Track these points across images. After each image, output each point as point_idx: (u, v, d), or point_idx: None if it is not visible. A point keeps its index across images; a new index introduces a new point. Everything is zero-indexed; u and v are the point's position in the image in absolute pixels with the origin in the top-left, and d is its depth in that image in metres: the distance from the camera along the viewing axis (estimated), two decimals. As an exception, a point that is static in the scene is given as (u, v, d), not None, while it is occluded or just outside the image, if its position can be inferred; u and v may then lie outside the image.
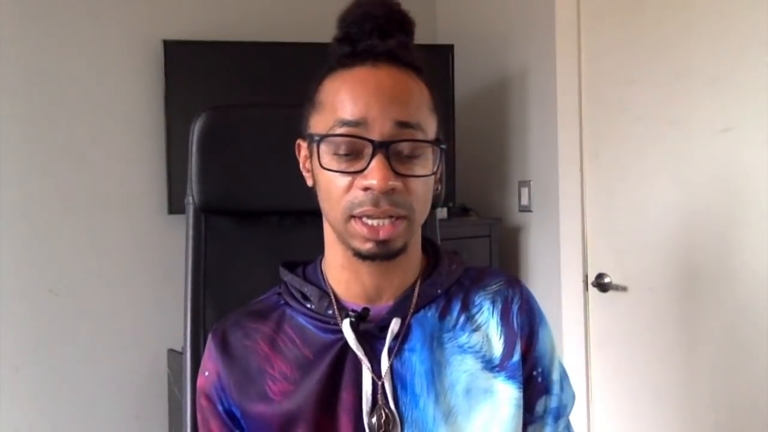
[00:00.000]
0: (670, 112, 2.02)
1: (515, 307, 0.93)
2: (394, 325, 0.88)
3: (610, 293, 2.21)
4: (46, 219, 2.29)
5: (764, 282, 1.82)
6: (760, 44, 1.80)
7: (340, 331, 0.88)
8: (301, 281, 0.94)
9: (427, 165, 0.86)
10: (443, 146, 0.88)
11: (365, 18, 0.87)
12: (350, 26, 0.87)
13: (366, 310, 0.89)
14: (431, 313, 0.91)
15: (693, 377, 2.00)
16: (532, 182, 2.50)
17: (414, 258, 0.93)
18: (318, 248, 0.97)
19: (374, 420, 0.85)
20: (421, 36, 0.94)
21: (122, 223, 2.39)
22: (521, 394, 0.91)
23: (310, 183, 0.93)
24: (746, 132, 1.85)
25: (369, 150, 0.82)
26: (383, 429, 0.85)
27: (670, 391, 2.05)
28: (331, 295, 0.92)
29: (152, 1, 2.44)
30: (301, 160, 0.94)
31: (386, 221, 0.83)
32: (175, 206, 2.35)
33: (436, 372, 0.88)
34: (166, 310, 2.30)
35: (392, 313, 0.89)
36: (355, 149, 0.83)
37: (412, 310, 0.90)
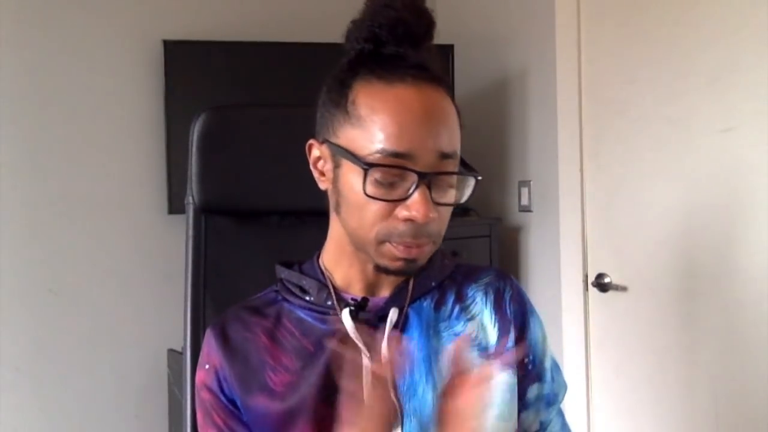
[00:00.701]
0: (670, 112, 2.02)
1: (507, 296, 0.97)
2: (393, 314, 0.90)
3: (610, 293, 2.21)
4: (46, 219, 2.29)
5: (764, 282, 1.82)
6: (760, 44, 1.80)
7: (339, 322, 0.89)
8: (298, 275, 0.95)
9: (458, 189, 0.88)
10: (479, 177, 0.88)
11: (397, 23, 0.85)
12: (380, 28, 0.85)
13: (365, 299, 0.91)
14: (427, 303, 0.94)
15: (693, 377, 2.00)
16: (532, 182, 2.50)
17: None
18: (318, 248, 0.98)
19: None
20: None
21: (122, 223, 2.39)
22: (516, 381, 0.93)
23: (323, 186, 0.92)
24: (746, 132, 1.85)
25: (412, 179, 0.83)
26: None
27: (670, 391, 2.05)
28: (330, 287, 0.93)
29: (152, 1, 2.44)
30: (311, 160, 0.92)
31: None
32: (175, 206, 2.35)
33: (433, 359, 0.90)
34: (166, 310, 2.30)
35: (390, 303, 0.92)
36: (396, 177, 0.83)
37: (408, 300, 0.93)
